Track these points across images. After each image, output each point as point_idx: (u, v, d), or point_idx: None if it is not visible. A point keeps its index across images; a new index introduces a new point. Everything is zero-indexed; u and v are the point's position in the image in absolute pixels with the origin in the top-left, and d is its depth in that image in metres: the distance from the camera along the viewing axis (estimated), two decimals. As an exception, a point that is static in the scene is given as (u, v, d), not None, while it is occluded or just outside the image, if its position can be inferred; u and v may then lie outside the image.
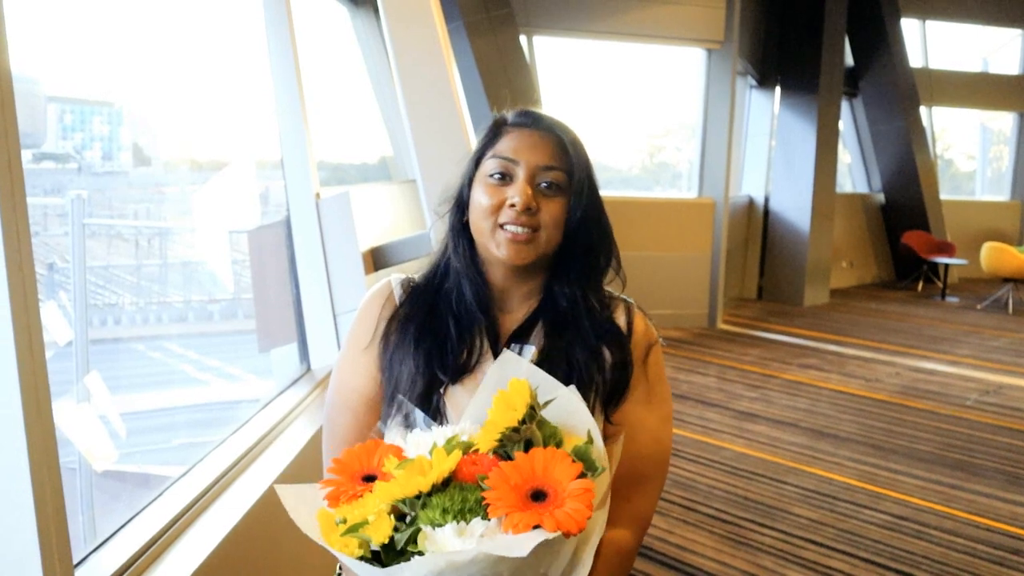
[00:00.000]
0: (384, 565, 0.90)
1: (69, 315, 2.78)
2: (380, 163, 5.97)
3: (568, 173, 1.18)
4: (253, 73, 3.24)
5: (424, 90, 3.10)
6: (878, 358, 7.02)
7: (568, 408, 1.03)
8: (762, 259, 9.86)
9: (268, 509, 1.93)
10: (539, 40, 7.68)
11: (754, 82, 9.83)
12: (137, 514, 1.64)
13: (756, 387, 5.97)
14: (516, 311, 1.24)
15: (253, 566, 1.84)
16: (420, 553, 0.89)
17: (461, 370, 1.18)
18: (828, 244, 9.64)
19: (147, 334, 3.73)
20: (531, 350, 1.19)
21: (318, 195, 3.09)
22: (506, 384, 1.00)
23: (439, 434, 1.00)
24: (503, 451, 0.97)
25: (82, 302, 2.84)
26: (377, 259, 3.33)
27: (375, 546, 0.91)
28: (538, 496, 0.90)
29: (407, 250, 3.39)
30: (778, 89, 9.80)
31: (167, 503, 1.70)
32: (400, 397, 1.18)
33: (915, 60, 11.21)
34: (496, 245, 1.17)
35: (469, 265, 1.22)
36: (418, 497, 0.92)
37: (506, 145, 1.20)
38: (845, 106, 10.80)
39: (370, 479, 0.97)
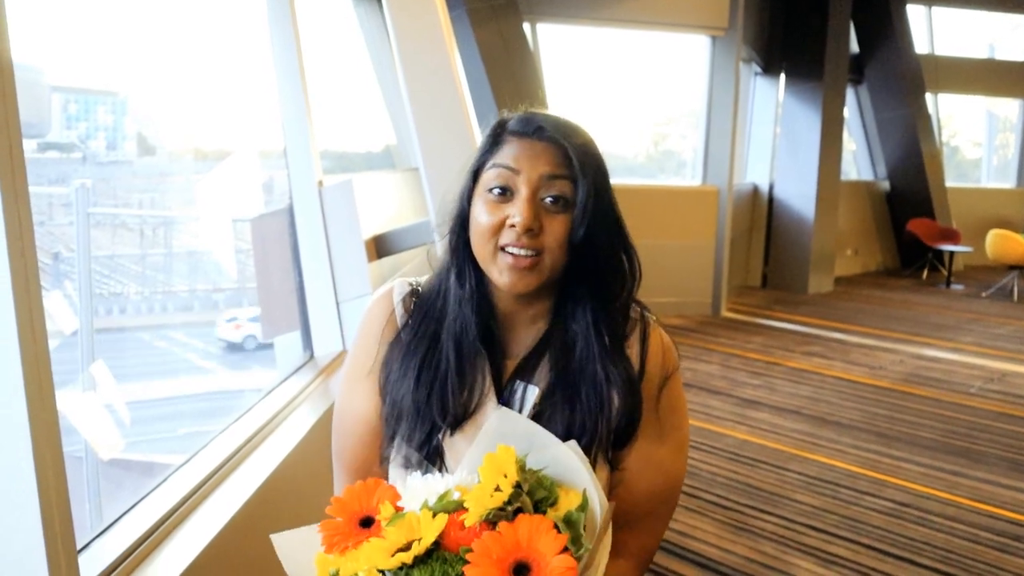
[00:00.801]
0: None
1: (74, 304, 2.79)
2: (384, 151, 5.97)
3: (573, 184, 1.08)
4: (256, 62, 3.24)
5: (427, 78, 3.10)
6: (882, 346, 7.02)
7: (567, 464, 1.00)
8: (766, 247, 9.84)
9: (271, 496, 1.94)
10: (543, 28, 7.65)
11: (759, 69, 9.79)
12: (140, 501, 1.65)
13: (759, 375, 5.98)
14: (523, 337, 1.17)
15: (255, 553, 1.85)
16: None
17: (461, 415, 1.11)
18: (833, 232, 9.62)
19: (152, 323, 3.75)
20: (535, 392, 1.12)
21: (321, 183, 3.10)
22: (501, 442, 0.98)
23: (433, 487, 0.99)
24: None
25: (87, 291, 2.85)
26: (380, 247, 3.33)
27: None
28: (520, 570, 0.89)
29: (410, 238, 3.40)
30: (783, 76, 9.76)
31: (170, 490, 1.71)
32: (399, 440, 1.14)
33: (921, 46, 11.16)
34: (498, 271, 1.08)
35: (473, 292, 1.14)
36: (401, 568, 0.92)
37: (507, 154, 1.10)
38: (850, 93, 10.76)
39: (368, 522, 0.98)
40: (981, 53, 12.37)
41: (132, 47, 2.95)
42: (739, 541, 3.35)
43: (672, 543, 3.31)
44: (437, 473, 1.03)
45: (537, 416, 1.09)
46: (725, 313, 8.15)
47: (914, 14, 11.10)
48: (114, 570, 1.40)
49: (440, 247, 1.21)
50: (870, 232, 11.32)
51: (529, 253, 1.07)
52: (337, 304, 3.06)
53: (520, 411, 1.11)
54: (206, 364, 4.00)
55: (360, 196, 3.12)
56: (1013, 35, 12.31)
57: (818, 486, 3.93)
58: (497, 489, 0.93)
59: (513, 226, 1.06)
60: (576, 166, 1.08)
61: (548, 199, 1.08)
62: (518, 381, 1.13)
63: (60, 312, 2.67)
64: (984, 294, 9.68)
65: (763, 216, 9.81)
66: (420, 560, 0.92)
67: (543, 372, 1.13)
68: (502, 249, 1.07)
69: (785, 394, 5.49)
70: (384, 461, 1.18)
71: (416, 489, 0.99)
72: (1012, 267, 9.82)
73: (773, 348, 6.83)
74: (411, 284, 1.22)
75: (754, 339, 7.15)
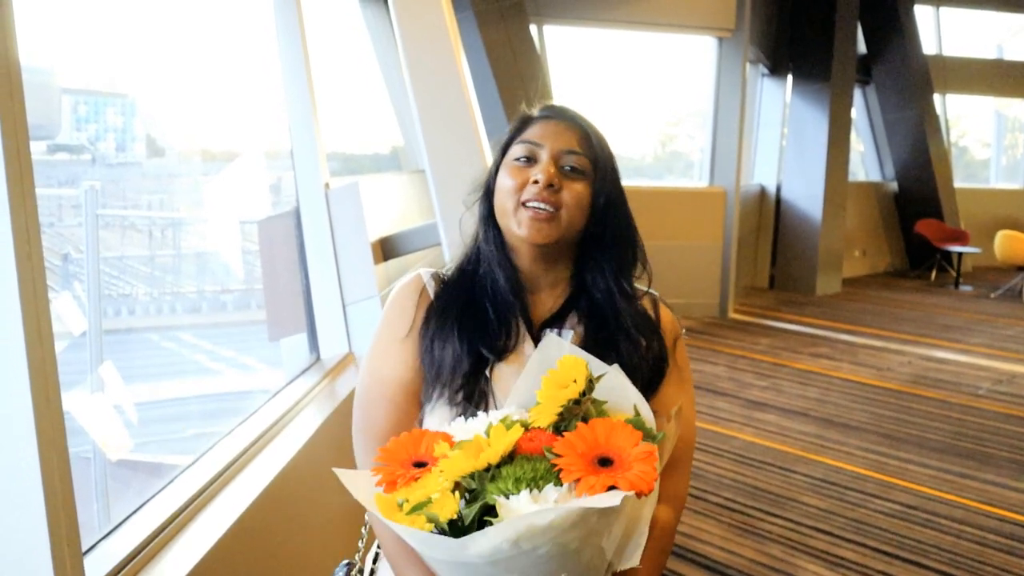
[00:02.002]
0: None
1: (83, 305, 2.80)
2: (392, 153, 5.98)
3: (592, 160, 1.22)
4: (264, 63, 3.25)
5: (433, 80, 3.10)
6: (890, 347, 7.00)
7: (613, 386, 1.05)
8: (774, 248, 9.83)
9: (277, 497, 1.95)
10: (549, 29, 7.66)
11: (766, 70, 9.78)
12: (146, 503, 1.66)
13: (767, 376, 5.97)
14: (545, 298, 1.27)
15: (260, 554, 1.86)
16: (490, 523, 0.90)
17: (504, 349, 1.20)
18: (840, 233, 9.60)
19: (161, 324, 3.76)
20: (569, 334, 1.22)
21: (327, 185, 3.11)
22: (550, 366, 1.03)
23: (488, 419, 1.02)
24: (558, 428, 0.99)
25: (96, 292, 2.86)
26: (386, 249, 3.34)
27: (441, 524, 0.92)
28: (604, 463, 0.92)
29: (416, 240, 3.40)
30: (790, 77, 9.74)
31: (176, 492, 1.72)
32: (438, 392, 1.19)
33: (929, 47, 11.12)
34: (518, 223, 1.19)
35: (499, 252, 1.25)
36: (487, 470, 0.93)
37: (532, 132, 1.24)
38: (858, 94, 10.73)
39: (420, 466, 0.98)
40: (989, 53, 12.33)
41: (141, 49, 2.96)
42: (745, 543, 3.35)
43: (678, 545, 3.31)
44: (483, 414, 1.06)
45: None
46: (732, 314, 8.14)
47: (922, 14, 11.06)
48: (119, 571, 1.41)
49: (463, 223, 1.31)
50: (878, 233, 11.29)
51: (548, 208, 1.18)
52: (343, 306, 3.06)
53: None
54: (214, 365, 4.01)
55: (367, 198, 3.13)
56: (1021, 35, 12.25)
57: (825, 488, 3.92)
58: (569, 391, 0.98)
59: (536, 182, 1.18)
60: (595, 145, 1.23)
61: (567, 167, 1.21)
62: (551, 329, 1.23)
63: (69, 313, 2.68)
64: (993, 295, 9.64)
65: (770, 217, 9.80)
66: (503, 463, 0.94)
67: (572, 322, 1.24)
68: (523, 204, 1.19)
69: (792, 396, 5.48)
70: (420, 424, 1.21)
71: (469, 428, 1.02)
72: (1021, 268, 9.78)
73: (780, 349, 6.81)
74: (436, 270, 1.32)
75: (761, 340, 7.14)
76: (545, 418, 0.98)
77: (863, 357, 6.63)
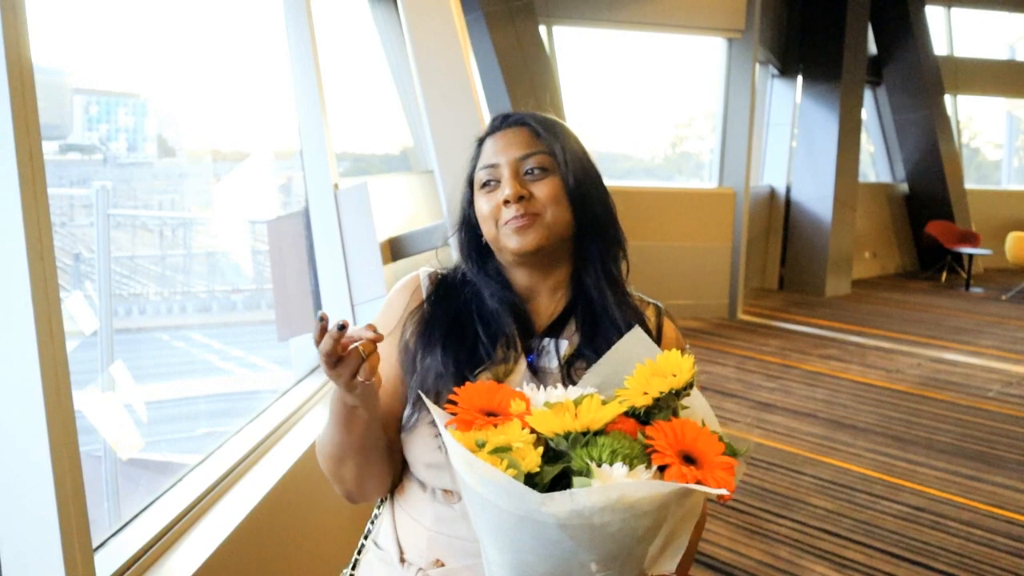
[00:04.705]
0: None
1: (94, 305, 2.82)
2: (402, 154, 5.99)
3: (550, 152, 1.21)
4: (275, 64, 3.27)
5: (441, 81, 3.11)
6: (899, 349, 6.98)
7: (691, 400, 1.06)
8: (783, 249, 9.80)
9: (285, 496, 1.96)
10: (559, 30, 7.66)
11: (776, 71, 9.76)
12: (156, 500, 1.67)
13: (775, 378, 5.96)
14: (545, 307, 1.25)
15: (268, 551, 1.87)
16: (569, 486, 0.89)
17: (504, 374, 1.17)
18: (850, 234, 9.57)
19: (171, 324, 3.77)
20: (565, 344, 1.21)
21: (336, 185, 3.12)
22: (630, 358, 1.03)
23: (565, 393, 1.01)
24: (638, 416, 0.98)
25: (107, 292, 2.89)
26: (395, 249, 3.35)
27: (520, 473, 0.89)
28: (688, 460, 0.92)
29: (425, 240, 3.41)
30: (800, 78, 9.72)
31: (186, 489, 1.74)
32: (420, 393, 1.14)
33: (940, 48, 11.08)
34: (506, 239, 1.19)
35: (487, 277, 1.25)
36: (583, 434, 0.93)
37: (486, 154, 1.24)
38: (868, 95, 10.70)
39: (492, 415, 0.97)
40: (1001, 54, 12.28)
41: (153, 50, 2.98)
42: (753, 545, 3.35)
43: (685, 546, 3.30)
44: (559, 387, 1.04)
45: (569, 365, 1.19)
46: (741, 316, 8.13)
47: (933, 15, 11.03)
48: (129, 568, 1.42)
49: (452, 250, 1.31)
50: (888, 234, 11.25)
51: (526, 216, 1.18)
52: (352, 306, 3.07)
53: (553, 361, 1.20)
54: (224, 365, 4.03)
55: (376, 198, 3.14)
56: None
57: (833, 490, 3.91)
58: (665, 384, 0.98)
59: (507, 202, 1.18)
60: (544, 136, 1.22)
61: (528, 172, 1.21)
62: (547, 338, 1.22)
63: (80, 312, 2.70)
64: (1004, 297, 9.60)
65: (780, 218, 9.78)
66: (598, 434, 0.94)
67: (570, 331, 1.22)
68: (506, 224, 1.19)
69: (801, 397, 5.47)
70: (403, 430, 1.19)
71: (550, 396, 1.01)
72: (1032, 270, 9.74)
73: (789, 351, 6.80)
74: (435, 270, 1.32)
75: (770, 342, 7.12)
76: (640, 399, 0.97)
77: (872, 359, 6.61)
